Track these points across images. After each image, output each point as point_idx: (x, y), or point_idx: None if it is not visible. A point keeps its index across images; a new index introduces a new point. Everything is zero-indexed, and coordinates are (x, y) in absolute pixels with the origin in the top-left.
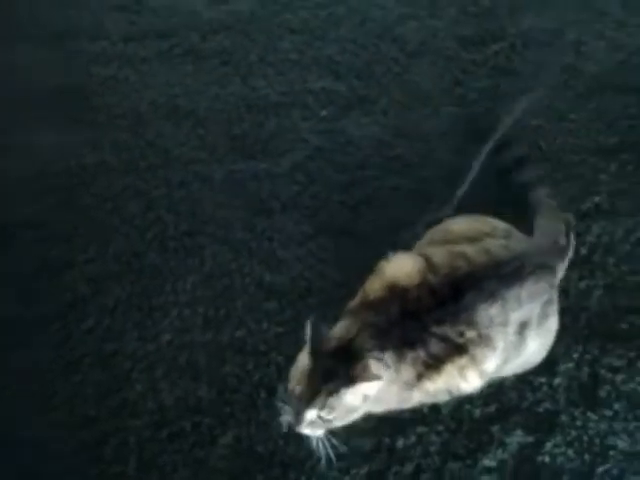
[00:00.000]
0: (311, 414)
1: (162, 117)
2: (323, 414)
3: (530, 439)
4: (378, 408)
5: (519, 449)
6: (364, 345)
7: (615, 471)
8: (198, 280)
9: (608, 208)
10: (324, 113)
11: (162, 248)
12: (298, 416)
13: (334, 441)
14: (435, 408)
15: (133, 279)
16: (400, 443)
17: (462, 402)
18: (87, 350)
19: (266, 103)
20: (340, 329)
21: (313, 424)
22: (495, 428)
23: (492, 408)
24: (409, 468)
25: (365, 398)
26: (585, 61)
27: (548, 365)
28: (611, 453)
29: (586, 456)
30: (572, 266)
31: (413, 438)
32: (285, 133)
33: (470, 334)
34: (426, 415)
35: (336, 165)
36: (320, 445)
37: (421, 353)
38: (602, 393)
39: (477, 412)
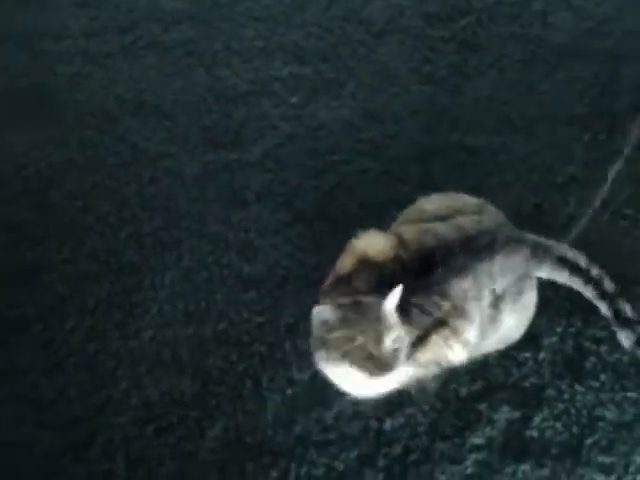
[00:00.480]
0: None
1: (129, 112)
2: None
3: (517, 414)
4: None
5: (507, 425)
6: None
7: (604, 442)
8: (177, 275)
9: (584, 178)
10: (294, 100)
11: (138, 245)
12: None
13: None
14: (421, 389)
15: (111, 277)
16: (387, 425)
17: (448, 381)
18: (70, 350)
19: (234, 92)
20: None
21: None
22: (482, 406)
23: (478, 385)
24: (397, 449)
25: None
26: (552, 31)
27: (532, 340)
28: (599, 424)
29: (574, 429)
30: (551, 238)
31: (401, 419)
32: (255, 121)
33: (446, 306)
34: (412, 396)
35: (307, 151)
36: None
37: (406, 323)
38: (588, 365)
39: (463, 391)
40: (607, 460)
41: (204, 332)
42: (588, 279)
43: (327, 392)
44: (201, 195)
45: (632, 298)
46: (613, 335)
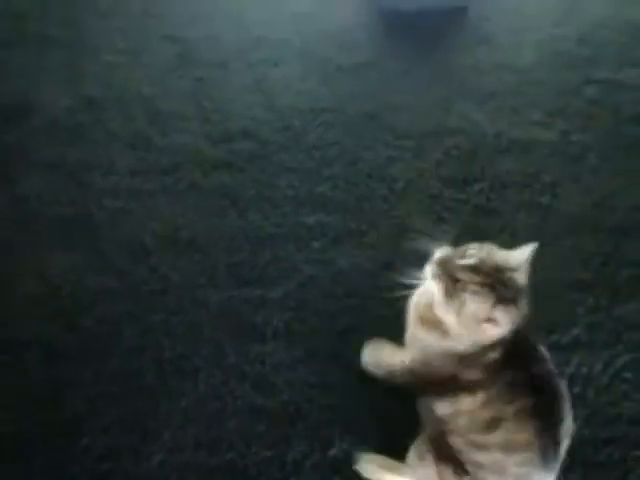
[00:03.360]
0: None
1: (164, 246)
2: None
3: None
4: None
5: None
6: None
7: None
8: (191, 402)
9: (586, 340)
10: (317, 245)
11: (158, 370)
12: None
13: None
14: None
15: (129, 400)
16: None
17: None
18: (82, 469)
19: (262, 234)
20: None
21: None
22: None
23: None
24: None
25: None
26: (561, 202)
27: None
28: None
29: None
30: None
31: None
32: (279, 262)
33: None
34: None
35: (326, 293)
36: None
37: None
38: None
39: None
40: None
41: (212, 460)
42: None
43: None
44: (223, 327)
45: (633, 463)
46: None
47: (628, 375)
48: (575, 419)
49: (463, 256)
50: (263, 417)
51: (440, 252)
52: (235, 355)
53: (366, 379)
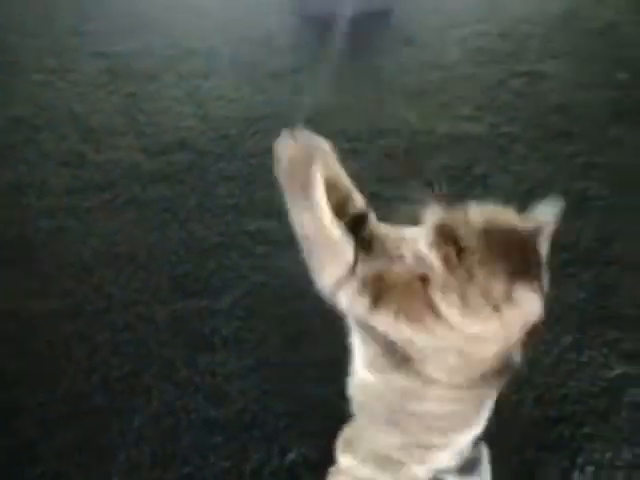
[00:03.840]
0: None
1: (104, 263)
2: None
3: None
4: None
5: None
6: None
7: None
8: (144, 419)
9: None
10: (260, 251)
11: (108, 389)
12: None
13: None
14: None
15: (81, 421)
16: None
17: None
18: None
19: (205, 245)
20: None
21: None
22: None
23: None
24: None
25: None
26: (493, 193)
27: None
28: None
29: None
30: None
31: None
32: (224, 272)
33: None
34: None
35: (274, 299)
36: None
37: None
38: None
39: None
40: None
41: (168, 477)
42: None
43: None
44: (171, 341)
45: (582, 441)
46: (564, 474)
47: (572, 356)
48: (524, 401)
49: (466, 217)
50: (218, 428)
51: (435, 213)
52: (186, 368)
53: (320, 382)
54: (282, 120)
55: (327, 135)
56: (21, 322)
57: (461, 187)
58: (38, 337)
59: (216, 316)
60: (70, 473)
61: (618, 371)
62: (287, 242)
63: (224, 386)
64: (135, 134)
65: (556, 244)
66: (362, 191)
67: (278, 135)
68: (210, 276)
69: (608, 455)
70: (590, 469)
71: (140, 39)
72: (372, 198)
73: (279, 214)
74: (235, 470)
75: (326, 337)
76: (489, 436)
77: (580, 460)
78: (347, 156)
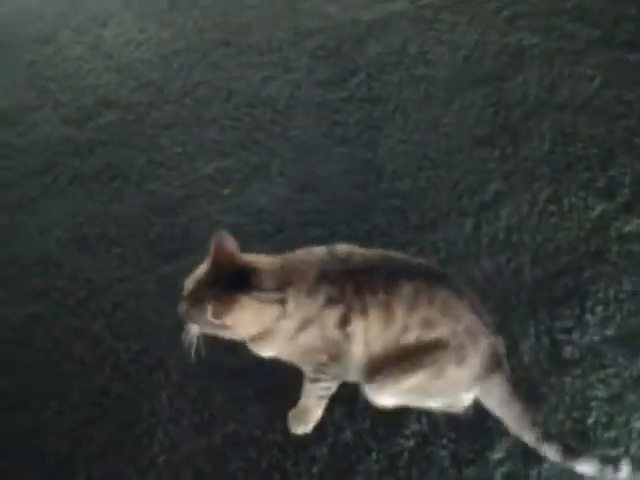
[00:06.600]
0: (185, 310)
1: (74, 250)
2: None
3: None
4: (275, 349)
5: None
6: (261, 282)
7: (603, 419)
8: (171, 393)
9: (506, 190)
10: (227, 192)
11: (124, 376)
12: (181, 312)
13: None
14: (433, 423)
15: (109, 417)
16: (415, 474)
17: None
18: None
19: (170, 201)
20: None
21: (189, 319)
22: (490, 422)
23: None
24: None
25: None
26: (435, 68)
27: (512, 347)
28: (594, 404)
29: (574, 414)
30: (497, 253)
31: (424, 462)
32: (198, 222)
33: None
34: (427, 434)
35: (255, 235)
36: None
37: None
38: (566, 355)
39: (469, 414)
40: (611, 434)
41: (215, 440)
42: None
43: (347, 460)
44: (168, 308)
45: (588, 286)
46: (579, 320)
47: (553, 208)
48: (523, 266)
49: None
50: (246, 379)
51: None
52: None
53: None
54: (201, 49)
55: (252, 50)
56: (6, 334)
57: (402, 69)
58: (29, 348)
59: None
60: (115, 471)
61: (598, 210)
62: (250, 175)
63: None
64: (51, 106)
65: (508, 103)
66: (306, 102)
67: (204, 65)
68: (185, 231)
69: (611, 292)
70: (599, 309)
71: (18, 3)
72: (318, 106)
73: (233, 150)
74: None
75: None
76: (501, 306)
77: (589, 303)
78: (280, 68)
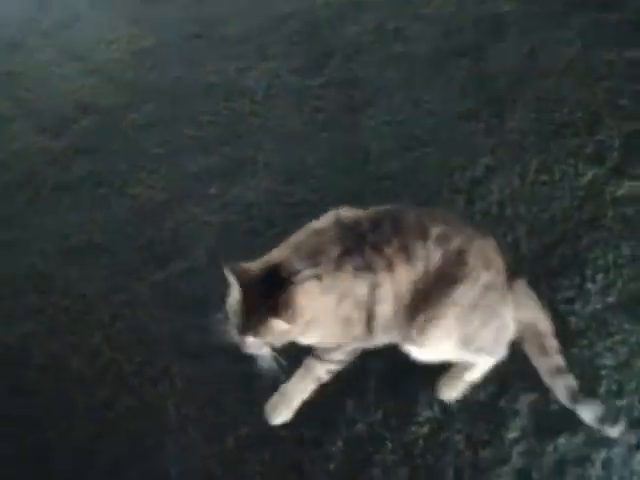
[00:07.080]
0: (248, 340)
1: (62, 263)
2: (259, 338)
3: (535, 396)
4: (321, 331)
5: (531, 409)
6: (293, 267)
7: (614, 387)
8: (178, 399)
9: (495, 163)
10: (213, 191)
11: (129, 387)
12: (240, 344)
13: (280, 359)
14: (447, 411)
15: (118, 430)
16: (430, 460)
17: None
18: None
19: (152, 206)
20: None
21: (254, 346)
22: (502, 402)
23: (491, 387)
24: (450, 473)
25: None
26: (414, 44)
27: None
28: (603, 373)
29: (583, 384)
30: (493, 226)
31: (440, 447)
32: (186, 225)
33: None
34: (440, 419)
35: (246, 232)
36: (266, 363)
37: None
38: (572, 326)
39: (481, 396)
40: (623, 402)
41: (227, 444)
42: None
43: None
44: (167, 313)
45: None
46: (580, 290)
47: (544, 177)
48: (519, 239)
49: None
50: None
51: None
52: (194, 333)
53: None
54: (172, 43)
55: (224, 42)
56: (7, 356)
57: (383, 48)
58: (29, 369)
59: (199, 272)
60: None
61: (589, 175)
62: (235, 171)
63: None
64: (24, 115)
65: (489, 73)
66: (285, 91)
67: (178, 61)
68: (174, 235)
69: (610, 258)
70: (599, 276)
71: None
72: (298, 95)
73: (217, 146)
74: None
75: None
76: None
77: (589, 271)
78: (256, 58)
